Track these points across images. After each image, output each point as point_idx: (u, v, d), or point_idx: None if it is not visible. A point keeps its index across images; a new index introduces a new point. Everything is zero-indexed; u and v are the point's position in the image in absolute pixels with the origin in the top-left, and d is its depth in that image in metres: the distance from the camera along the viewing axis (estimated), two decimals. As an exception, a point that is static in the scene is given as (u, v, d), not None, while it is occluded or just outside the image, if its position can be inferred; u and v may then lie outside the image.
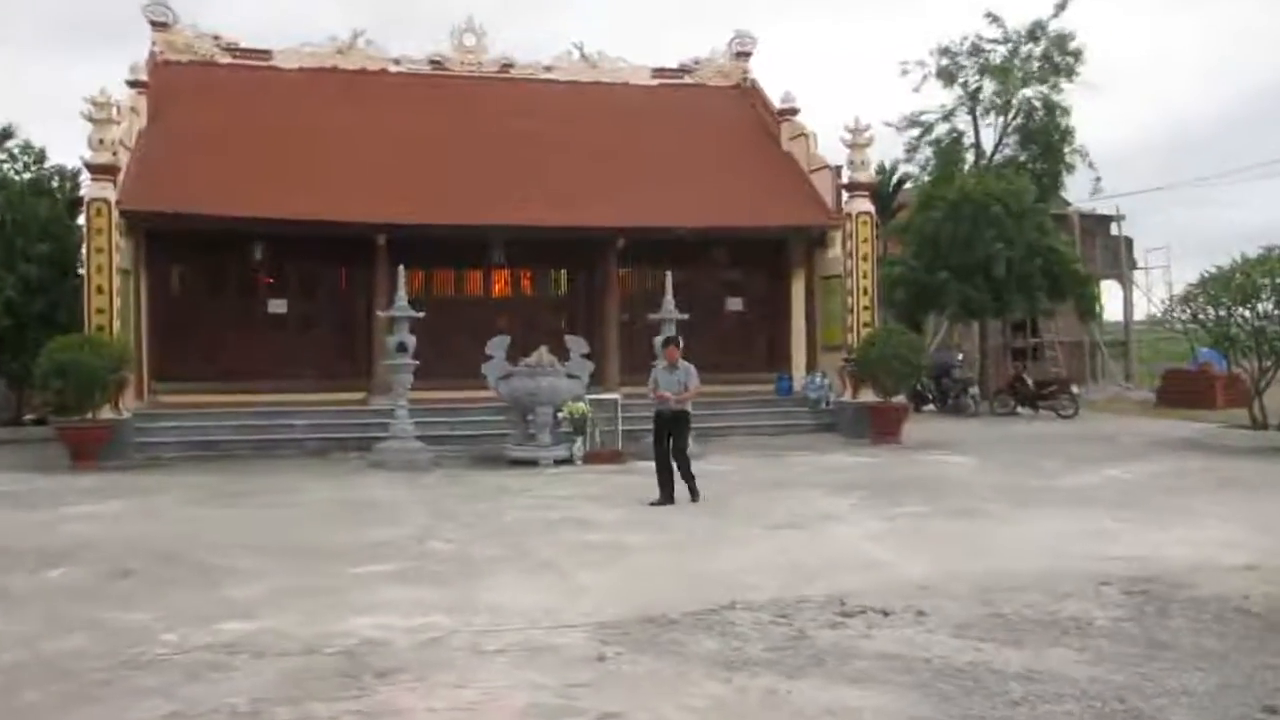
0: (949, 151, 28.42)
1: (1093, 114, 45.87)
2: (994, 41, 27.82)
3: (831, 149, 21.48)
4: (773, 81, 24.87)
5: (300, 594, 8.07)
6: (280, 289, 20.64)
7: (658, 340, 14.89)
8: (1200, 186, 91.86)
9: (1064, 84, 27.43)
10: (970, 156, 28.69)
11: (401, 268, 16.81)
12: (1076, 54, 27.22)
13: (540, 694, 5.76)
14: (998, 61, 27.68)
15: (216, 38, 22.29)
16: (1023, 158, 28.18)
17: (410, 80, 22.75)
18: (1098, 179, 28.93)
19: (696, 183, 20.82)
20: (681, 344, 13.56)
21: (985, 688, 5.76)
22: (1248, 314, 18.11)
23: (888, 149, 36.93)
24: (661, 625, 7.05)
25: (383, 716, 5.53)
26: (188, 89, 20.79)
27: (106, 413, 16.58)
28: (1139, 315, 33.80)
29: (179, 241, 19.31)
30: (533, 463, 15.73)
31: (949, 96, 28.44)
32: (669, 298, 17.16)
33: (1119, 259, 32.97)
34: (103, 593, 8.20)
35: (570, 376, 16.55)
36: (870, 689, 5.79)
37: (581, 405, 16.39)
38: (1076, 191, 29.95)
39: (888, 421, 18.73)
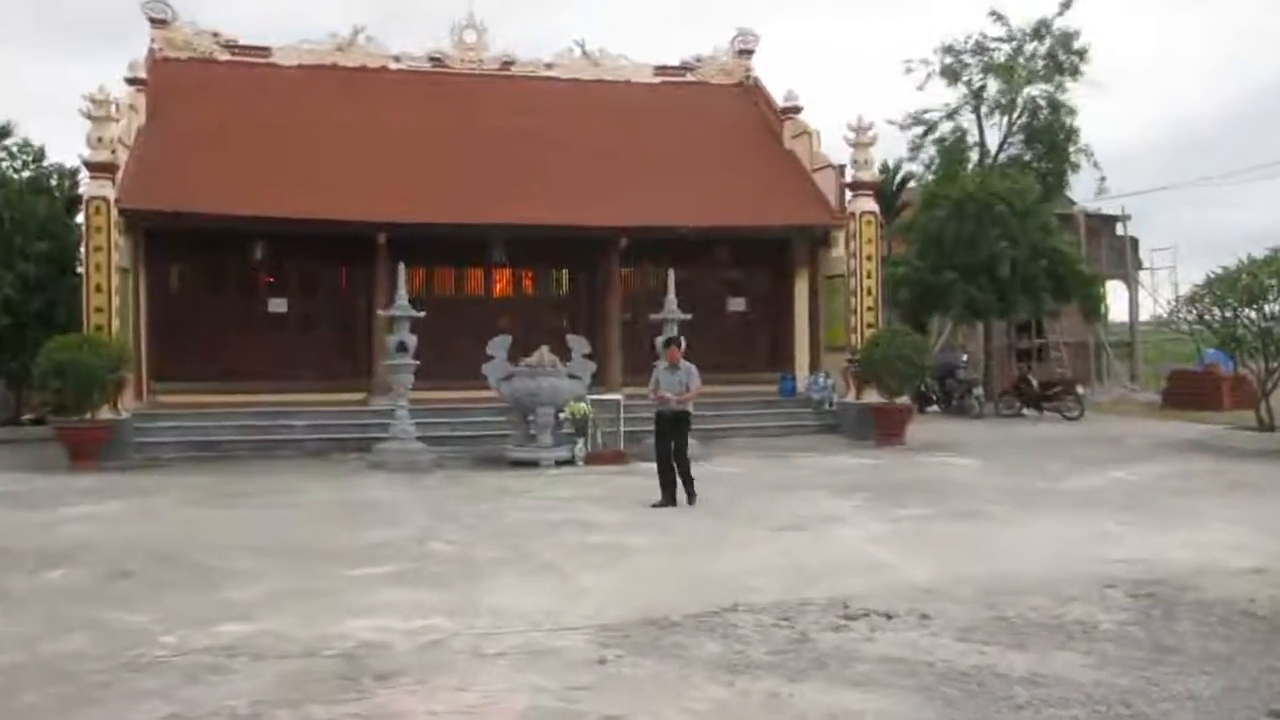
0: (953, 150, 28.31)
1: (1098, 113, 45.88)
2: (998, 40, 27.73)
3: (835, 148, 21.42)
4: (775, 79, 24.81)
5: (300, 596, 8.05)
6: (280, 288, 20.56)
7: (660, 340, 14.80)
8: (1206, 186, 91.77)
9: (1069, 83, 27.33)
10: (975, 155, 28.57)
11: (402, 266, 16.72)
12: (1081, 53, 27.12)
13: (541, 697, 5.76)
14: (1002, 60, 27.55)
15: (216, 35, 22.20)
16: (1027, 157, 28.08)
17: (410, 77, 22.66)
18: (1102, 178, 28.90)
19: (699, 181, 20.72)
20: (684, 344, 13.49)
21: (989, 691, 5.75)
22: (1254, 315, 18.09)
23: (891, 148, 36.84)
24: (663, 628, 7.03)
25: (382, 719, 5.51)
26: (187, 86, 20.70)
27: (105, 413, 16.51)
28: (1144, 316, 33.72)
29: (178, 240, 19.23)
30: (534, 464, 15.67)
31: (953, 95, 28.38)
32: (671, 297, 17.06)
33: (1124, 259, 32.82)
34: (102, 594, 8.18)
35: (572, 377, 16.47)
36: (873, 692, 5.78)
37: (583, 406, 16.33)
38: (1081, 191, 29.94)
39: (891, 423, 18.64)
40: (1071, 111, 27.48)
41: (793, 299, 22.09)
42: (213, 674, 6.15)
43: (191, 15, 22.49)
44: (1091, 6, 60.66)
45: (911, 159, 29.74)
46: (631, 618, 7.25)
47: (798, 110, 22.96)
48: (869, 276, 20.14)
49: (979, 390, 24.36)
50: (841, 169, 21.00)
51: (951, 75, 27.80)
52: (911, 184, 30.99)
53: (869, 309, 20.07)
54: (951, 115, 28.39)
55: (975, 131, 28.69)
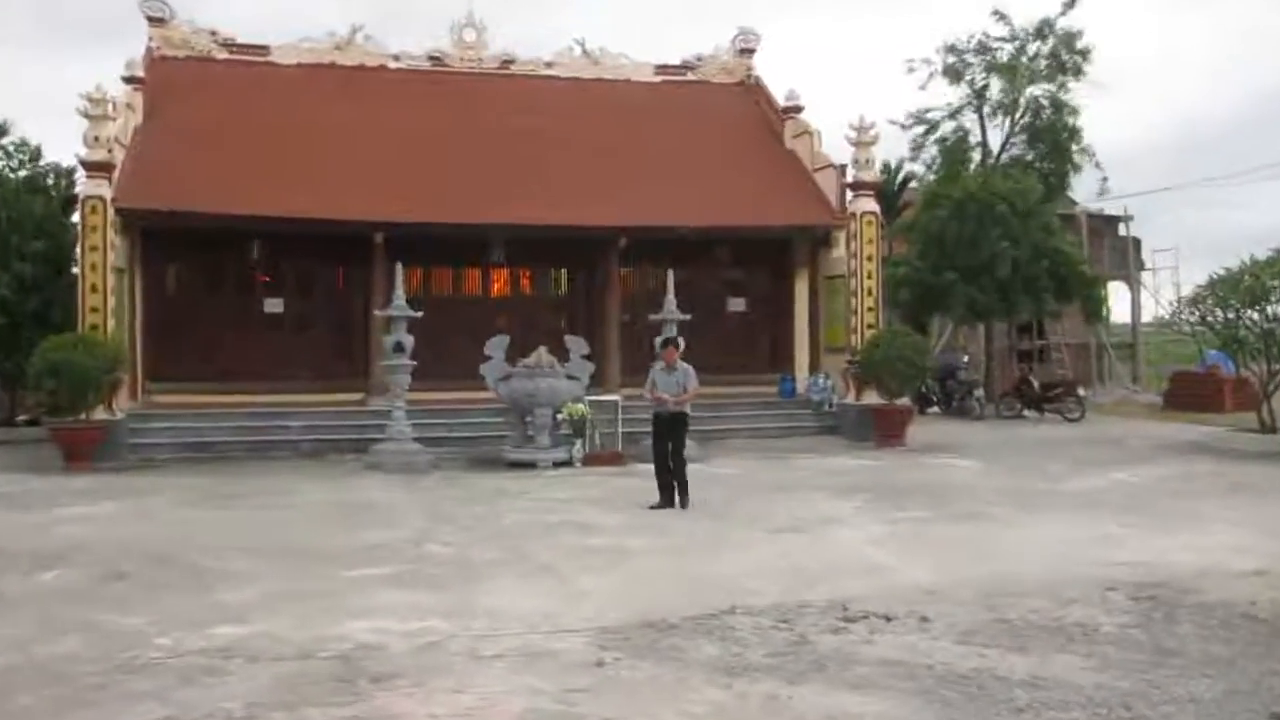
0: (955, 150, 28.25)
1: (1100, 114, 45.75)
2: (1001, 39, 27.67)
3: (836, 147, 21.36)
4: (777, 79, 24.76)
5: (295, 598, 8.02)
6: (277, 288, 20.47)
7: (658, 341, 14.72)
8: (1209, 187, 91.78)
9: (1071, 83, 27.27)
10: (977, 155, 28.49)
11: (399, 266, 16.66)
12: (1084, 53, 27.05)
13: (538, 699, 5.75)
14: (1005, 60, 27.47)
15: (214, 33, 22.12)
16: (1029, 157, 27.99)
17: (409, 76, 22.58)
18: (1104, 179, 28.88)
19: (699, 181, 20.65)
20: (681, 345, 13.42)
21: (989, 694, 5.74)
22: (1257, 316, 18.06)
23: (893, 147, 36.77)
24: (661, 630, 7.02)
25: (379, 722, 5.50)
26: (184, 85, 20.61)
27: (100, 413, 16.45)
28: (1146, 317, 33.67)
29: (174, 240, 19.15)
30: (531, 465, 15.63)
31: (955, 95, 28.33)
32: (670, 298, 16.98)
33: (1127, 260, 32.72)
34: (96, 596, 8.17)
35: (570, 378, 16.43)
36: (872, 695, 5.77)
37: (581, 407, 16.28)
38: (1083, 192, 29.89)
39: (892, 424, 18.58)
40: (1074, 111, 27.47)
41: (793, 299, 22.00)
42: (208, 676, 6.14)
43: (189, 14, 22.48)
44: (1094, 6, 60.73)
45: (913, 159, 29.76)
46: (630, 620, 7.23)
47: (799, 110, 22.89)
48: (869, 277, 20.07)
49: (980, 391, 24.29)
50: (843, 169, 20.93)
51: (954, 75, 27.75)
52: (913, 184, 30.93)
53: (869, 310, 20.00)
54: (954, 115, 28.36)
55: (977, 131, 28.66)
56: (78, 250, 17.72)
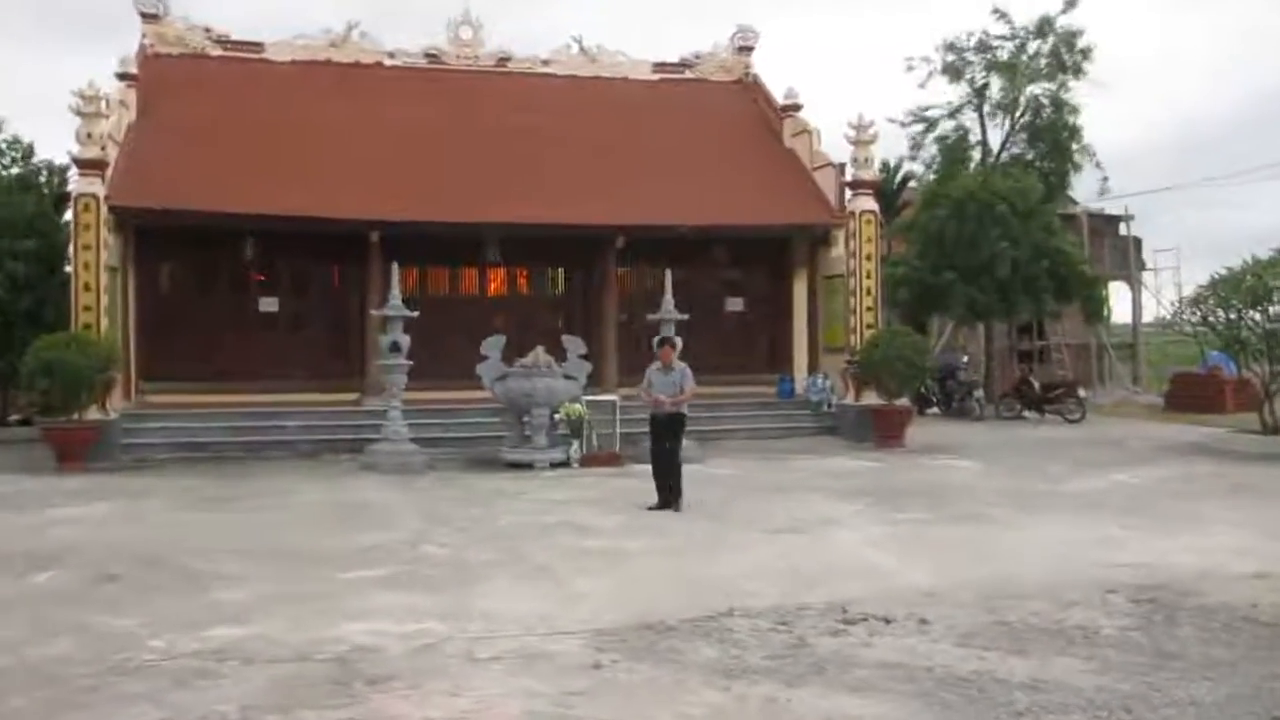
0: (955, 149, 28.15)
1: (1101, 113, 45.69)
2: (1001, 38, 27.57)
3: (835, 146, 21.30)
4: (775, 77, 24.77)
5: (290, 599, 8.00)
6: (272, 287, 20.35)
7: (656, 340, 14.62)
8: (1210, 187, 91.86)
9: (1072, 82, 27.17)
10: (977, 154, 28.40)
11: (395, 265, 16.57)
12: (1085, 52, 26.96)
13: (535, 702, 5.73)
14: (1005, 58, 27.37)
15: (208, 30, 22.03)
16: (1030, 156, 27.90)
17: (405, 74, 22.50)
18: (1105, 179, 28.78)
19: (697, 180, 20.58)
20: (679, 345, 13.32)
21: (989, 697, 5.73)
22: (1259, 317, 17.91)
23: (892, 146, 36.73)
24: (659, 632, 7.01)
25: (375, 725, 5.49)
26: (178, 82, 20.49)
27: (93, 413, 16.34)
28: (1147, 317, 33.64)
29: (168, 238, 19.03)
30: (528, 466, 15.56)
31: (955, 93, 28.24)
32: (668, 297, 16.88)
33: (1127, 260, 32.66)
34: (89, 597, 8.14)
35: (567, 377, 16.36)
36: (871, 698, 5.77)
37: (578, 407, 16.22)
38: (1084, 191, 29.79)
39: (891, 425, 18.50)
40: (1075, 110, 27.35)
41: (791, 299, 21.95)
42: (202, 678, 6.11)
43: (184, 10, 22.37)
44: (1095, 6, 60.68)
45: (912, 158, 29.68)
46: (627, 622, 7.21)
47: (798, 108, 22.84)
48: (869, 276, 20.00)
49: (979, 392, 24.24)
50: (841, 167, 20.87)
51: (954, 73, 27.65)
52: (912, 183, 30.86)
53: (868, 309, 19.94)
54: (953, 114, 28.27)
55: (977, 130, 28.57)
56: (71, 249, 17.65)
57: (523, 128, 20.87)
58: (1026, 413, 23.48)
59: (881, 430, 18.44)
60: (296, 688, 5.94)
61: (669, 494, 12.08)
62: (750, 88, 24.32)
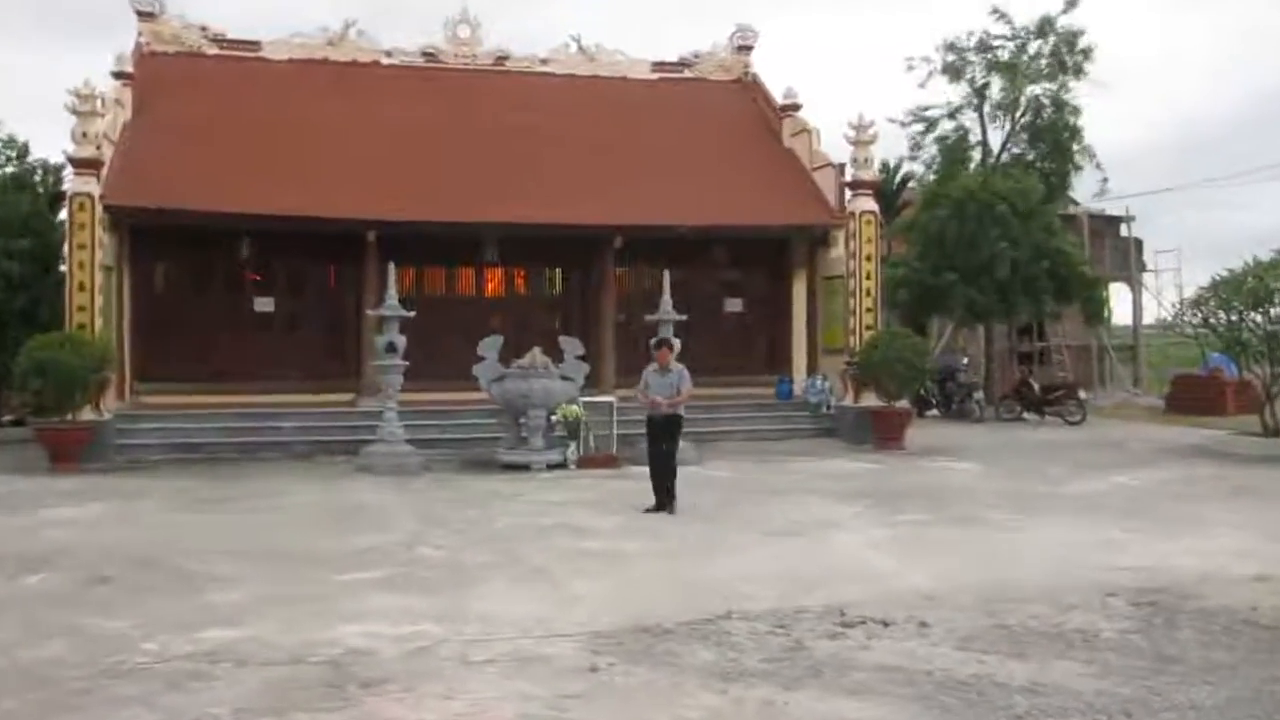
0: (955, 149, 28.08)
1: (1101, 114, 45.63)
2: (1001, 38, 27.51)
3: (834, 146, 21.24)
4: (775, 76, 24.70)
5: (284, 601, 7.97)
6: (267, 287, 20.25)
7: (654, 342, 14.56)
8: (1211, 188, 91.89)
9: (1072, 82, 27.10)
10: (977, 154, 28.33)
11: (392, 265, 16.46)
12: (1086, 52, 26.90)
13: (530, 705, 5.71)
14: (1005, 58, 27.30)
15: (204, 28, 21.97)
16: (1030, 156, 27.83)
17: (402, 72, 22.41)
18: (1104, 179, 28.72)
19: (696, 180, 20.51)
20: (677, 346, 13.25)
21: (989, 701, 5.72)
22: (1260, 318, 17.89)
23: (892, 146, 36.67)
24: (656, 635, 6.99)
25: (369, 727, 5.48)
26: (174, 81, 20.42)
27: (87, 413, 16.27)
28: (1148, 319, 33.68)
29: (163, 237, 18.95)
30: (525, 467, 15.49)
31: (955, 93, 28.19)
32: (666, 298, 16.82)
33: (1128, 261, 32.63)
34: (82, 599, 8.11)
35: (564, 379, 16.30)
36: (869, 701, 5.76)
37: (576, 408, 16.14)
38: (1084, 192, 29.73)
39: (890, 426, 18.45)
40: (1075, 111, 27.29)
41: (790, 300, 21.89)
42: (195, 681, 6.08)
43: (180, 8, 22.31)
44: (1095, 6, 60.64)
45: (912, 158, 29.64)
46: (624, 625, 7.19)
47: (797, 107, 22.78)
48: (868, 277, 19.94)
49: (979, 394, 24.21)
50: (841, 167, 20.82)
51: (954, 73, 27.60)
52: (911, 184, 30.79)
53: (868, 310, 19.88)
54: (953, 114, 28.21)
55: (978, 130, 28.50)
56: (65, 248, 17.56)
57: (521, 127, 20.80)
58: (1026, 415, 23.45)
59: (881, 432, 18.39)
60: (290, 690, 5.92)
61: (665, 496, 12.00)
62: (749, 87, 24.25)
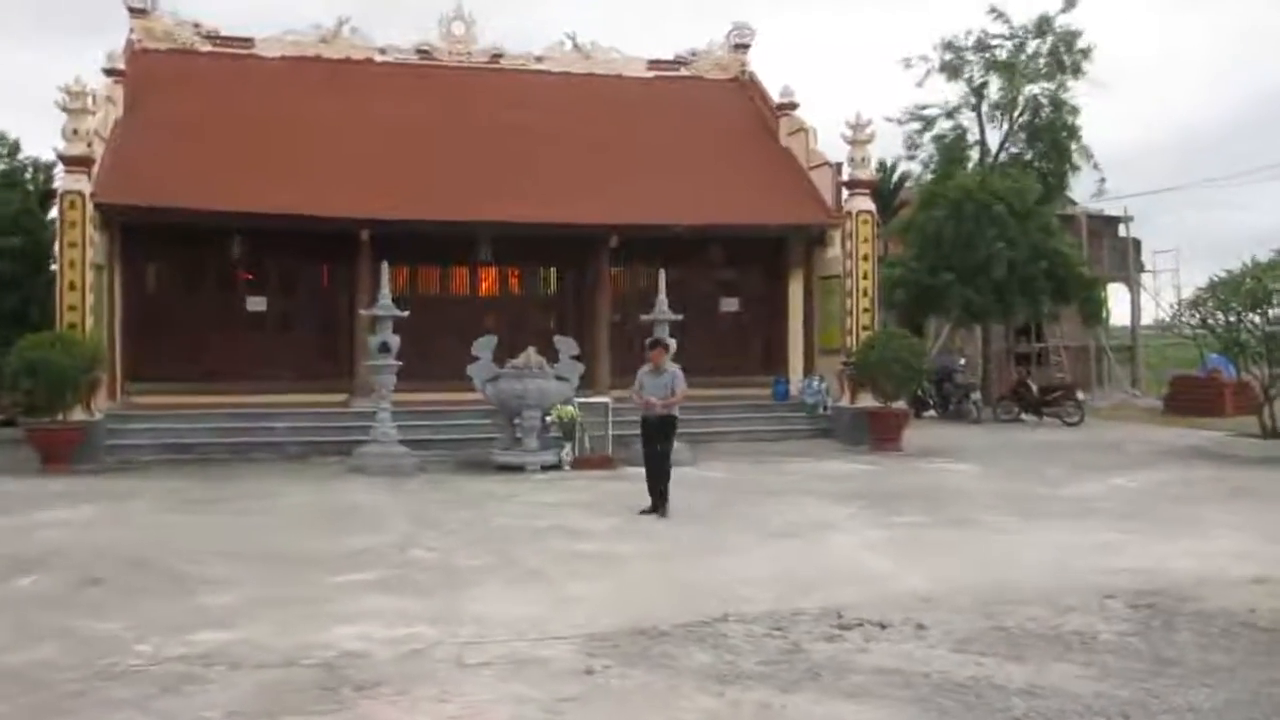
0: (952, 148, 27.99)
1: (1100, 114, 45.44)
2: (999, 37, 27.40)
3: (831, 145, 21.18)
4: (771, 75, 24.56)
5: (278, 603, 7.95)
6: (259, 286, 20.17)
7: (649, 342, 14.49)
8: (1209, 188, 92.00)
9: (1071, 82, 27.01)
10: (974, 154, 28.24)
11: (385, 264, 16.37)
12: (1085, 52, 26.79)
13: (526, 708, 5.70)
14: (1003, 57, 27.21)
15: (196, 25, 21.89)
16: (1028, 156, 27.75)
17: (396, 70, 22.33)
18: (1102, 180, 28.58)
19: (692, 179, 20.46)
20: (672, 346, 13.18)
21: (987, 703, 5.72)
22: (1258, 319, 17.85)
23: (889, 145, 36.60)
24: (652, 637, 6.98)
25: (363, 730, 5.48)
26: (166, 78, 20.31)
27: (78, 414, 16.17)
28: (1146, 319, 33.58)
29: (155, 236, 18.86)
30: (520, 468, 15.44)
31: (953, 92, 28.08)
32: (662, 297, 16.68)
33: (1127, 261, 32.53)
34: (74, 601, 8.08)
35: (559, 379, 16.25)
36: (867, 704, 5.75)
37: (571, 409, 16.09)
38: (1082, 192, 29.64)
39: (887, 427, 18.37)
40: (1074, 110, 27.19)
41: (787, 300, 21.84)
42: (188, 684, 6.06)
43: (172, 5, 22.27)
44: (1094, 6, 60.61)
45: (910, 157, 29.48)
46: (620, 627, 7.17)
47: (794, 106, 22.73)
48: (865, 277, 19.89)
49: (977, 395, 24.16)
50: (838, 167, 20.76)
51: (952, 72, 27.46)
52: (909, 184, 30.70)
53: (865, 310, 19.82)
54: (951, 113, 28.11)
55: (975, 130, 28.41)
56: (56, 246, 17.51)
57: (515, 125, 20.74)
58: (1024, 416, 23.40)
59: (877, 433, 18.31)
60: (284, 693, 5.90)
61: (660, 498, 11.92)
62: (746, 86, 24.20)
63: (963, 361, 26.05)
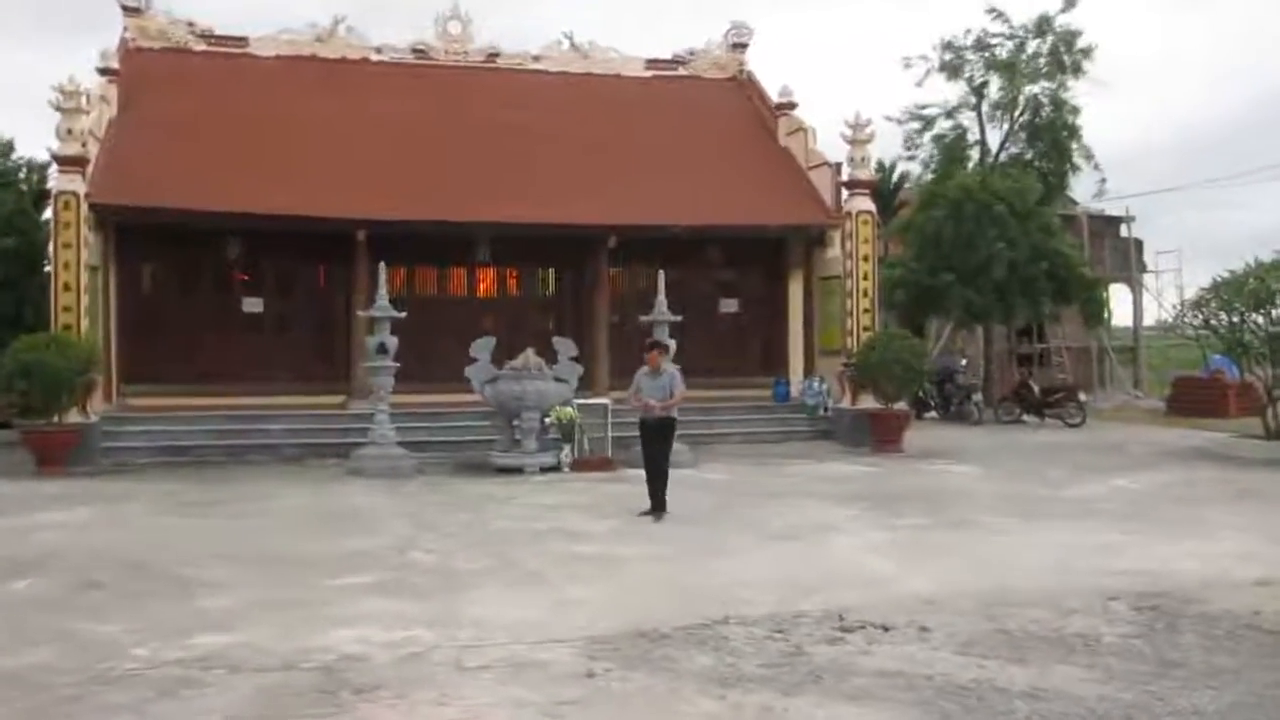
0: (953, 148, 27.96)
1: (1101, 114, 45.48)
2: (1000, 36, 27.37)
3: (831, 145, 21.11)
4: (770, 74, 24.56)
5: (276, 606, 7.94)
6: (256, 287, 20.09)
7: (648, 343, 14.42)
8: (1212, 188, 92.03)
9: (1071, 81, 26.98)
10: (975, 154, 28.19)
11: (383, 265, 16.30)
12: (1085, 51, 26.78)
13: (525, 711, 5.68)
14: (1003, 57, 27.17)
15: (191, 24, 21.83)
16: (1029, 156, 27.70)
17: (393, 69, 22.27)
18: (1103, 180, 28.59)
19: (691, 179, 20.40)
20: (672, 348, 13.08)
21: (989, 706, 5.70)
22: (1261, 320, 17.77)
23: (889, 145, 36.54)
24: (653, 640, 6.96)
25: (362, 734, 5.46)
26: (160, 77, 20.24)
27: (73, 416, 16.11)
28: (1149, 320, 33.55)
29: (150, 236, 18.77)
30: (518, 470, 15.39)
31: (953, 92, 28.08)
32: (661, 298, 16.62)
33: (1128, 261, 32.49)
34: (71, 604, 8.06)
35: (558, 380, 16.20)
36: (869, 707, 5.74)
37: (570, 410, 16.04)
38: (1083, 192, 29.65)
39: (888, 429, 18.31)
40: (1074, 110, 27.18)
41: (787, 301, 21.78)
42: (186, 687, 6.05)
43: (166, 4, 22.17)
44: (1094, 6, 60.65)
45: (910, 157, 29.49)
46: (620, 630, 7.14)
47: (793, 106, 22.69)
48: (865, 278, 19.83)
49: (978, 396, 24.10)
50: (838, 167, 20.70)
51: (952, 71, 27.47)
52: (909, 184, 30.65)
53: (865, 311, 19.76)
54: (951, 113, 28.10)
55: (975, 129, 28.38)
56: (50, 247, 17.43)
57: (513, 125, 20.68)
58: (1026, 417, 23.34)
59: (878, 434, 18.26)
60: (282, 697, 5.89)
61: (658, 500, 11.86)
62: (745, 85, 24.16)
63: (964, 362, 26.02)
